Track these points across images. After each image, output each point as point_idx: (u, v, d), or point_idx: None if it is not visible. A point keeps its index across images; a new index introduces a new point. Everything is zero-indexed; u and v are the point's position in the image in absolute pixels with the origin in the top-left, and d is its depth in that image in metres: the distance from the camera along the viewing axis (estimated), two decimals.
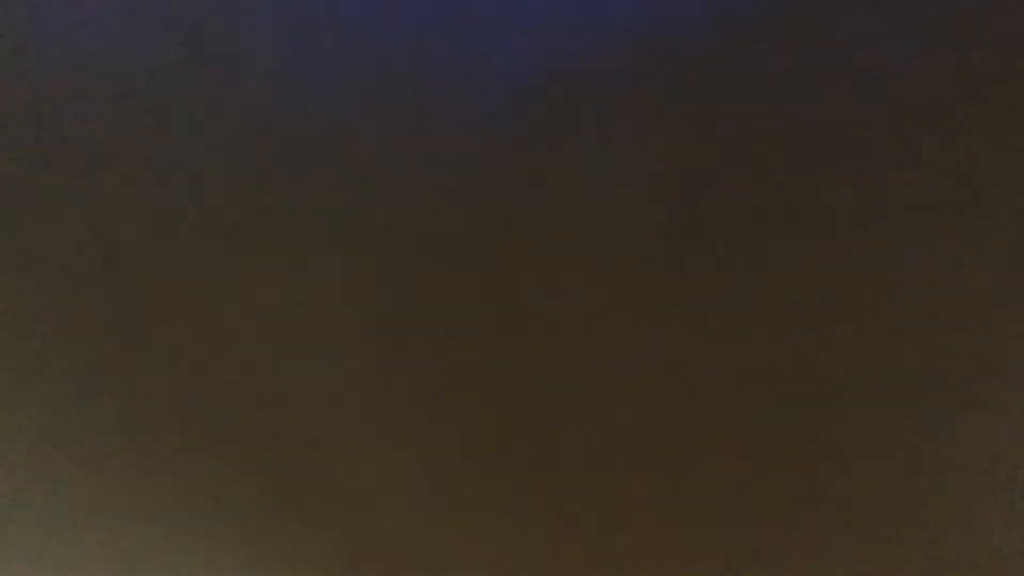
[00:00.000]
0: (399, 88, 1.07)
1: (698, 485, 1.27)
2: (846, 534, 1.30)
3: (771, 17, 1.04)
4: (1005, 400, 1.21)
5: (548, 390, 1.22)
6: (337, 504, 1.30)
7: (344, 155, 1.10)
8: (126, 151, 1.09)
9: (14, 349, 1.19)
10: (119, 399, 1.22)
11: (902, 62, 1.04)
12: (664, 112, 1.08)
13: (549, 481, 1.27)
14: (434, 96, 1.07)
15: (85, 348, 1.19)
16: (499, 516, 1.29)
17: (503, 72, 1.06)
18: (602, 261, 1.15)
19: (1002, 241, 1.13)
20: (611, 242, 1.14)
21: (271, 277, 1.16)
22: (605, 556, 1.31)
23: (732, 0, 1.04)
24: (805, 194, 1.11)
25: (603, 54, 1.06)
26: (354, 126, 1.09)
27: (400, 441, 1.26)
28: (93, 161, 1.09)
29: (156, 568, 1.33)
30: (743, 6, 1.04)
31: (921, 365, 1.19)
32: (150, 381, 1.21)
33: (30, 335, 1.18)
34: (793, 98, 1.07)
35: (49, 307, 1.17)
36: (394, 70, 1.06)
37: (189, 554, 1.32)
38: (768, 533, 1.30)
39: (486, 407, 1.23)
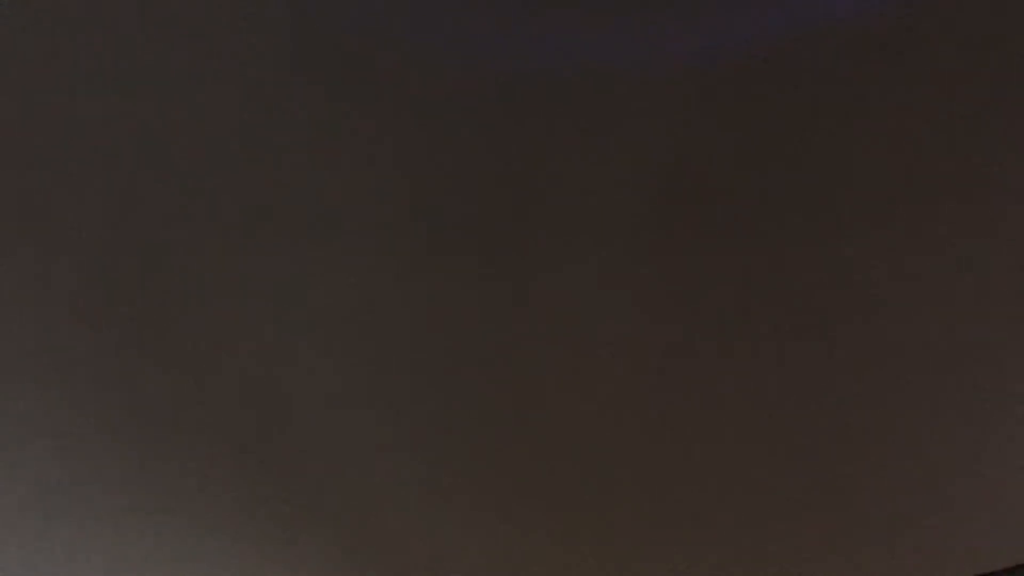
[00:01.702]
0: (399, 85, 1.07)
1: (701, 483, 1.27)
2: (852, 531, 1.30)
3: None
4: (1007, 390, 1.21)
5: (550, 387, 1.22)
6: (338, 505, 1.29)
7: (343, 150, 1.10)
8: (125, 144, 1.09)
9: (14, 349, 1.19)
10: (119, 400, 1.22)
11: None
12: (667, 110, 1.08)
13: (550, 481, 1.27)
14: (433, 94, 1.07)
15: (85, 347, 1.19)
16: (499, 517, 1.29)
17: (504, 72, 1.06)
18: (605, 255, 1.15)
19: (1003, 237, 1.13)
20: (614, 235, 1.14)
21: (272, 276, 1.16)
22: (606, 556, 1.31)
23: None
24: (807, 190, 1.11)
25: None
26: (353, 122, 1.08)
27: (401, 441, 1.26)
28: (89, 155, 1.09)
29: (157, 569, 1.33)
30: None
31: (925, 357, 1.20)
32: (150, 381, 1.21)
33: (31, 335, 1.18)
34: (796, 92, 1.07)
35: (50, 306, 1.16)
36: (391, 67, 1.06)
37: (190, 555, 1.32)
38: (771, 532, 1.30)
39: (487, 406, 1.23)
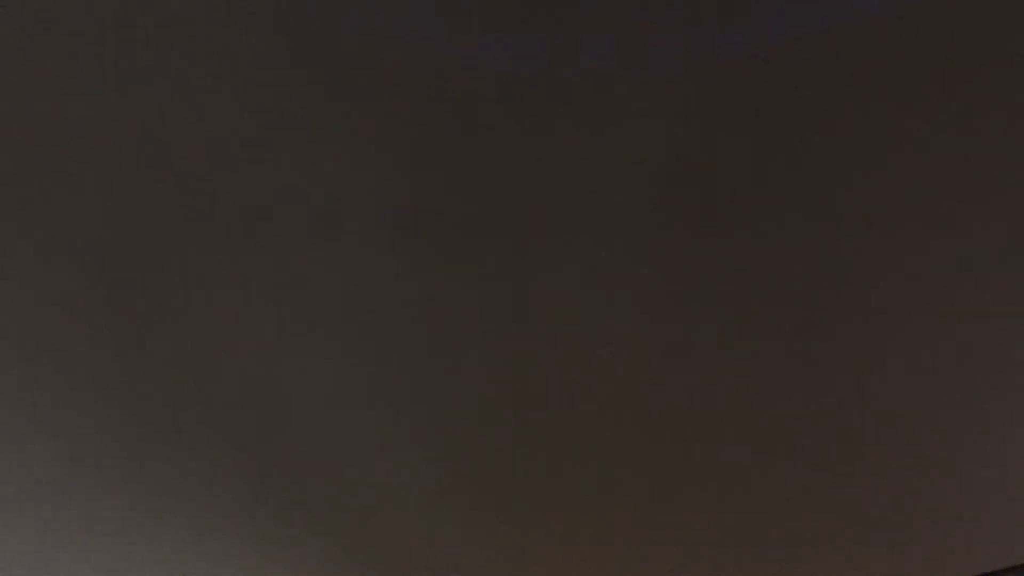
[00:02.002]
0: (399, 85, 1.07)
1: (701, 483, 1.27)
2: (852, 531, 1.30)
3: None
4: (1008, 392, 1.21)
5: (550, 387, 1.22)
6: (338, 505, 1.29)
7: (343, 150, 1.10)
8: (125, 144, 1.08)
9: (15, 349, 1.19)
10: (119, 400, 1.22)
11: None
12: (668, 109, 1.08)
13: (550, 481, 1.27)
14: (433, 94, 1.07)
15: (85, 347, 1.19)
16: (499, 517, 1.29)
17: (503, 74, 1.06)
18: (605, 255, 1.15)
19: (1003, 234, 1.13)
20: (614, 235, 1.14)
21: (272, 276, 1.16)
22: (606, 556, 1.31)
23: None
24: (807, 190, 1.11)
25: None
26: (353, 122, 1.08)
27: (401, 441, 1.26)
28: (89, 155, 1.09)
29: (157, 569, 1.33)
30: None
31: (925, 357, 1.20)
32: (150, 381, 1.21)
33: (31, 335, 1.18)
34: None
35: (50, 306, 1.16)
36: (391, 67, 1.06)
37: (190, 555, 1.32)
38: (771, 532, 1.30)
39: (487, 406, 1.23)
